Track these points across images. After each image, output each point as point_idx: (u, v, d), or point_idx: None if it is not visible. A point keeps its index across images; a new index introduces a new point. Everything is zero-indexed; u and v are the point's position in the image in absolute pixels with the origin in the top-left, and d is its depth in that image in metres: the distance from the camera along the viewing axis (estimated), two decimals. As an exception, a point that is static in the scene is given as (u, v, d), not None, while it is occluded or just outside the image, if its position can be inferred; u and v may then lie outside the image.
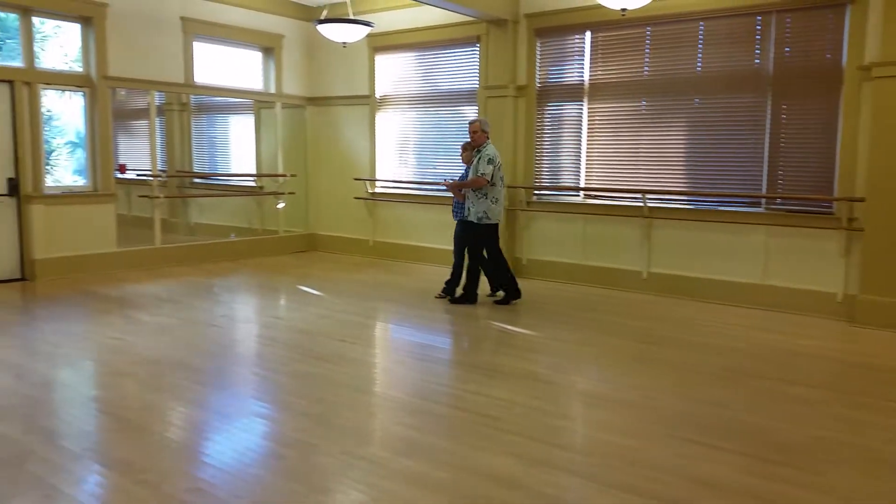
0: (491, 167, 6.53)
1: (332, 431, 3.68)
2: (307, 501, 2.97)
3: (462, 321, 6.37)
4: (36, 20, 7.70)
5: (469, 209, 6.68)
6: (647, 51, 7.48)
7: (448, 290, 7.01)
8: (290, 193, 10.08)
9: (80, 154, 9.07)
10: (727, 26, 6.94)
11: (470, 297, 6.86)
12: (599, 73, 7.78)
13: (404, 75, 9.35)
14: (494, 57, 8.22)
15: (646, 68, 7.49)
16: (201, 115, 11.02)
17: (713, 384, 4.58)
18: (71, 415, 4.05)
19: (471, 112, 8.75)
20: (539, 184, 8.30)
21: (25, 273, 7.63)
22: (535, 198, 8.35)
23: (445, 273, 7.80)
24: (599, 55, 7.76)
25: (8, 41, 8.32)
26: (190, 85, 8.94)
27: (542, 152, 8.25)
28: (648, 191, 7.38)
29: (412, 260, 9.29)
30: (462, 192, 6.78)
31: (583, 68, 7.86)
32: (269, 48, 9.77)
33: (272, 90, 9.88)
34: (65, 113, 9.36)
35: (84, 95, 8.09)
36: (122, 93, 9.02)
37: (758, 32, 6.79)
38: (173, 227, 9.80)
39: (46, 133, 7.98)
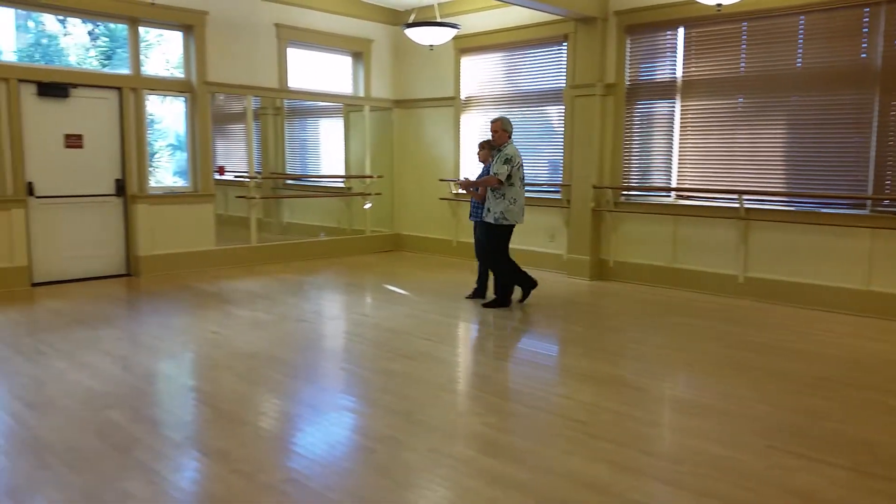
0: (507, 167, 6.39)
1: (418, 428, 3.73)
2: (395, 496, 3.02)
3: (548, 323, 6.32)
4: (142, 30, 8.15)
5: (487, 210, 6.57)
6: (743, 46, 7.20)
7: (478, 293, 7.02)
8: (376, 194, 10.28)
9: (181, 156, 9.56)
10: (830, 19, 6.59)
11: (525, 288, 6.81)
12: (693, 69, 7.55)
13: (489, 76, 9.36)
14: (582, 55, 8.11)
15: (742, 64, 7.22)
16: (294, 118, 11.39)
17: (811, 393, 4.36)
18: (172, 405, 4.27)
19: (556, 112, 8.67)
20: (627, 184, 8.13)
21: (131, 269, 8.10)
22: (622, 198, 8.19)
23: (532, 274, 7.76)
24: (693, 51, 7.53)
25: (117, 50, 8.86)
26: (284, 90, 9.25)
27: (631, 152, 8.08)
28: (745, 191, 7.10)
29: (496, 261, 9.27)
30: (479, 192, 6.71)
31: (675, 65, 7.65)
32: (359, 52, 9.98)
33: (361, 94, 10.10)
34: (166, 117, 9.88)
35: (185, 100, 8.51)
36: (221, 98, 9.42)
37: (865, 25, 6.41)
38: (267, 226, 10.17)
39: (149, 136, 8.43)
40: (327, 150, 11.08)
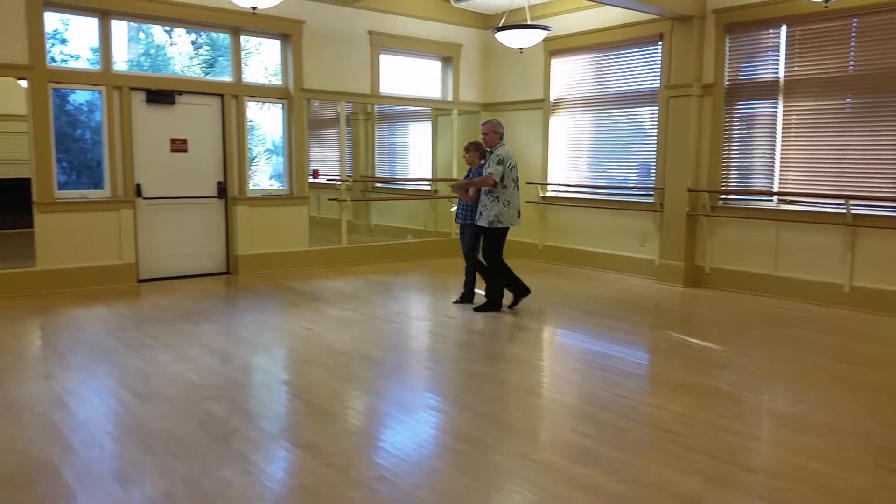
0: (500, 168, 6.29)
1: (505, 432, 3.70)
2: (483, 498, 3.01)
3: (640, 331, 6.16)
4: (242, 39, 8.50)
5: (480, 213, 6.45)
6: (852, 44, 6.80)
7: (465, 297, 6.88)
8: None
9: (276, 160, 9.90)
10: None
11: (517, 294, 6.67)
12: (797, 69, 7.19)
13: (580, 78, 9.23)
14: (679, 55, 7.87)
15: (851, 63, 6.82)
16: (383, 123, 11.61)
17: (932, 414, 4.06)
18: (267, 397, 4.42)
19: (649, 113, 8.46)
20: (725, 188, 7.82)
21: (230, 267, 8.46)
22: (720, 202, 7.88)
23: (617, 279, 7.58)
24: (797, 50, 7.18)
25: (219, 59, 9.28)
26: (376, 95, 9.44)
27: (730, 154, 7.77)
28: (854, 196, 6.70)
29: (582, 265, 9.14)
30: (470, 193, 6.56)
31: (777, 64, 7.31)
32: (448, 57, 10.06)
33: (449, 98, 10.17)
34: (264, 122, 10.26)
35: (283, 107, 8.81)
36: (316, 104, 9.70)
37: None
38: (356, 227, 10.39)
39: (248, 141, 8.77)
40: (415, 154, 11.22)
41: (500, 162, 6.32)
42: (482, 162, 6.64)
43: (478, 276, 6.87)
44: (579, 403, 4.26)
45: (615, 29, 8.58)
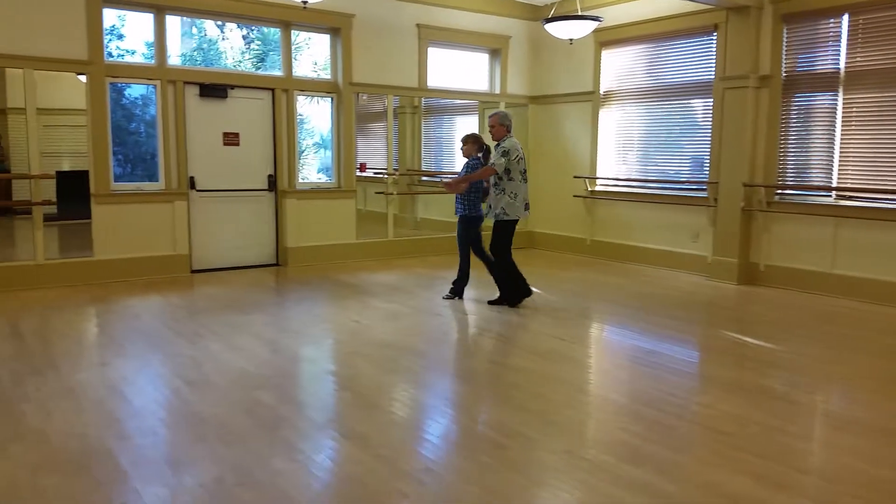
0: (504, 159, 6.18)
1: (552, 428, 3.67)
2: (529, 495, 2.99)
3: (690, 329, 6.03)
4: (293, 33, 8.59)
5: (489, 206, 6.39)
6: (920, 32, 6.52)
7: (456, 291, 6.76)
8: (511, 191, 10.24)
9: (324, 153, 10.00)
10: None
11: (513, 296, 6.50)
12: (859, 60, 6.92)
13: (631, 69, 9.07)
14: (734, 46, 7.66)
15: (919, 51, 6.53)
16: (430, 116, 11.60)
17: None
18: (315, 388, 4.47)
19: (702, 105, 8.27)
20: (782, 182, 7.59)
21: (279, 259, 8.59)
22: (777, 197, 7.65)
23: (667, 275, 7.43)
24: (860, 40, 6.91)
25: (270, 53, 9.41)
26: (423, 88, 9.44)
27: (787, 148, 7.53)
28: (917, 192, 6.43)
29: (630, 261, 9.00)
30: (460, 187, 6.44)
31: (838, 55, 7.05)
32: (496, 49, 10.00)
33: (497, 90, 10.11)
34: (312, 116, 10.37)
35: (332, 101, 8.89)
36: (364, 97, 9.75)
37: None
38: (401, 221, 10.42)
39: (297, 135, 8.87)
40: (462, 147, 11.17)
41: (505, 154, 6.25)
42: (479, 155, 6.60)
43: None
44: (627, 401, 4.19)
45: (668, 19, 8.40)
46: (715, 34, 7.98)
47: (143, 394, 4.17)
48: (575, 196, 9.67)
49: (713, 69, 8.02)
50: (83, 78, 7.27)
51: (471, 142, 6.64)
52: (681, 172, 8.68)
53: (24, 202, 7.65)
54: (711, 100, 8.05)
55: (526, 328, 5.79)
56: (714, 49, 8.01)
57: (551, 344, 5.31)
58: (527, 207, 6.44)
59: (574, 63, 9.60)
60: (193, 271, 7.97)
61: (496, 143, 6.42)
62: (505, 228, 6.39)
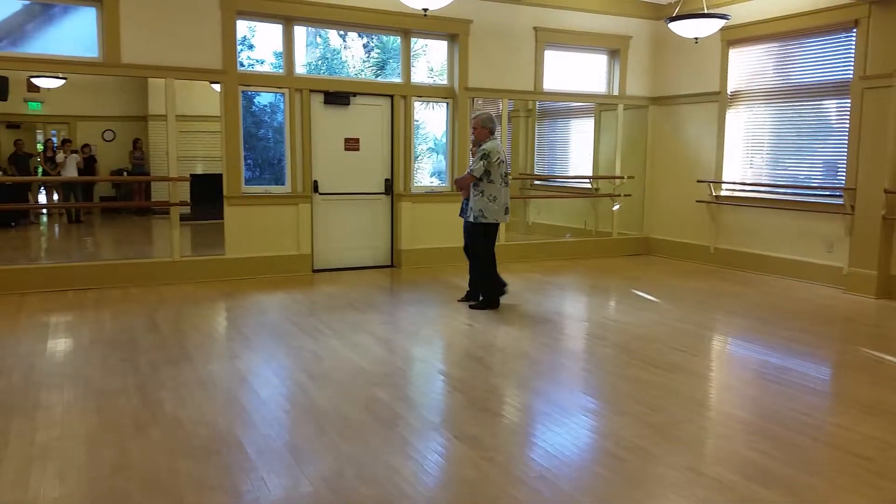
0: (482, 163, 6.12)
1: (672, 443, 3.53)
2: (648, 510, 2.89)
3: (824, 344, 5.64)
4: (412, 41, 8.76)
5: (470, 208, 6.23)
6: None
7: (471, 295, 6.58)
8: (626, 195, 10.00)
9: (437, 158, 10.14)
10: None
11: (486, 296, 6.42)
12: None
13: (759, 68, 8.61)
14: (877, 43, 7.11)
15: None
16: (544, 119, 11.53)
17: None
18: (428, 388, 4.53)
19: (837, 106, 7.73)
20: (929, 189, 6.97)
21: (394, 261, 8.79)
22: (923, 206, 7.04)
23: (798, 287, 7.02)
24: None
25: (389, 61, 9.65)
26: (539, 92, 9.38)
27: (936, 152, 6.91)
28: None
29: (758, 270, 8.53)
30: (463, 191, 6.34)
31: None
32: (615, 50, 9.78)
33: (615, 92, 9.89)
34: (427, 121, 10.55)
35: (447, 106, 9.00)
36: (479, 102, 9.81)
37: None
38: (513, 225, 10.39)
39: (413, 140, 9.04)
40: (576, 151, 11.03)
41: (485, 156, 6.16)
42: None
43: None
44: (754, 418, 3.96)
45: (801, 16, 7.91)
46: (854, 30, 7.44)
47: (268, 385, 4.38)
48: (698, 201, 9.28)
49: (851, 68, 7.48)
50: (217, 86, 7.73)
51: (475, 145, 6.49)
52: (813, 177, 8.15)
53: (163, 203, 8.25)
54: (848, 100, 7.51)
55: (642, 338, 5.62)
56: (853, 46, 7.46)
57: (670, 355, 5.12)
58: (507, 211, 6.39)
59: (698, 63, 9.23)
60: (314, 271, 8.29)
61: (477, 145, 6.38)
62: (484, 231, 6.36)
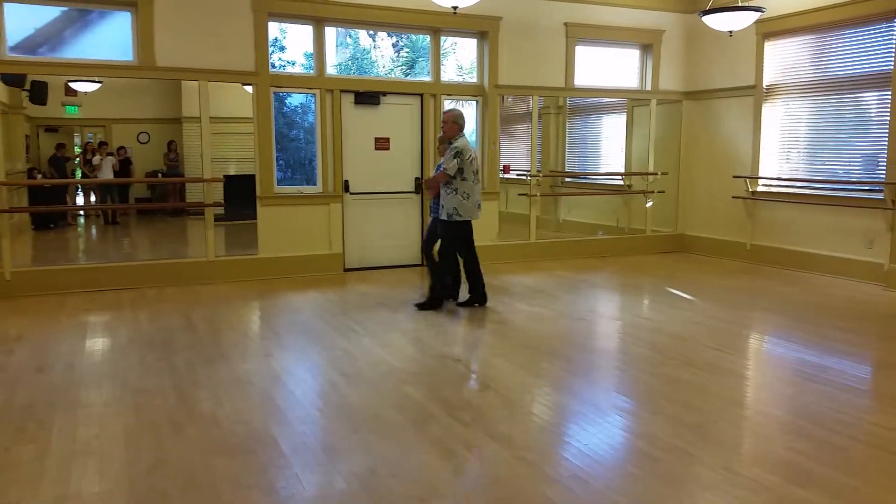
0: (456, 161, 6.08)
1: (709, 443, 3.48)
2: (684, 511, 2.85)
3: (864, 342, 5.51)
4: (441, 39, 8.76)
5: (442, 206, 6.14)
6: None
7: (474, 296, 6.52)
8: (658, 192, 9.87)
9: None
10: None
11: (478, 297, 6.45)
12: None
13: (796, 61, 8.44)
14: (918, 32, 6.92)
15: None
16: (575, 115, 11.43)
17: None
18: (460, 386, 4.52)
19: (877, 99, 7.54)
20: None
21: (421, 260, 8.79)
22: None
23: (837, 284, 6.88)
24: None
25: (418, 60, 9.66)
26: (570, 88, 9.31)
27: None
28: None
29: (797, 268, 8.36)
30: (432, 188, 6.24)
31: None
32: (648, 45, 9.67)
33: (648, 87, 9.77)
34: (457, 119, 10.51)
35: (477, 103, 8.98)
36: (510, 99, 9.78)
37: None
38: (543, 223, 10.34)
39: (442, 138, 9.04)
40: (608, 147, 10.92)
41: (458, 154, 6.13)
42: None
43: (466, 276, 6.60)
44: (792, 418, 3.89)
45: (840, 7, 7.73)
46: (895, 20, 7.26)
47: (302, 384, 4.42)
48: (734, 197, 9.13)
49: (892, 59, 7.29)
50: (249, 88, 7.82)
51: (445, 142, 6.34)
52: (852, 172, 7.97)
53: (197, 203, 8.36)
54: (889, 92, 7.32)
55: (677, 336, 5.54)
56: (893, 37, 7.27)
57: (706, 354, 5.05)
58: (479, 207, 6.39)
59: (733, 56, 9.08)
60: (346, 270, 8.35)
61: (448, 141, 6.28)
62: (458, 229, 6.31)
